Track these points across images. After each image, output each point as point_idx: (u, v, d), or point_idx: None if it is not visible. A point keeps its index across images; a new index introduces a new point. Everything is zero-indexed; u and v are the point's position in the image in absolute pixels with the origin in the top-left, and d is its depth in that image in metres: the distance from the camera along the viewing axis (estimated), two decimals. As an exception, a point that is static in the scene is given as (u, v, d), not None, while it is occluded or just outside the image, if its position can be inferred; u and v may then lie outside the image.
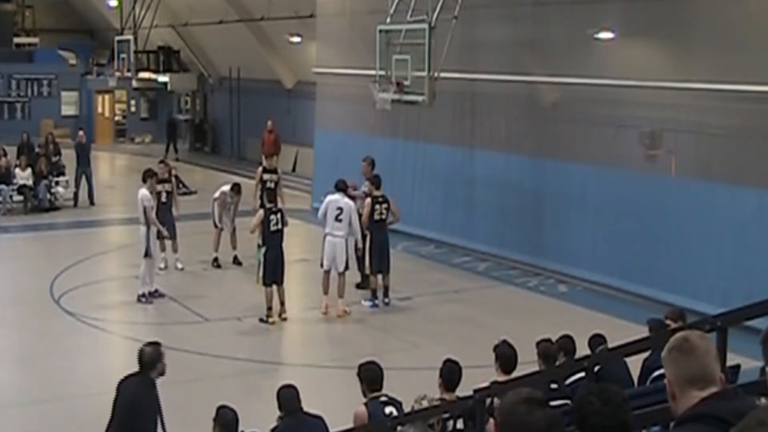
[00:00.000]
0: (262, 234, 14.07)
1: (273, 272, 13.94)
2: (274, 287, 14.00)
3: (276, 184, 17.27)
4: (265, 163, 17.93)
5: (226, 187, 17.42)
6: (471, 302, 15.45)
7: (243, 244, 17.36)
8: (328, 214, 14.39)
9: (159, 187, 16.31)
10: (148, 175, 15.46)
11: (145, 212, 14.91)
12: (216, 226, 17.43)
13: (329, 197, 14.67)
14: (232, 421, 6.91)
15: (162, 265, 16.69)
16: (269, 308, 13.97)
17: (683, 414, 3.08)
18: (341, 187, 14.68)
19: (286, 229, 14.29)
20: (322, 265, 14.48)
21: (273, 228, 13.95)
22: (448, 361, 7.56)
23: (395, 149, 20.26)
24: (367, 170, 15.57)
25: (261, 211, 14.13)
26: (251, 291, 14.41)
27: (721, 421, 2.97)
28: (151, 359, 7.54)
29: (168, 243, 16.88)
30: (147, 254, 14.99)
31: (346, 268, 14.55)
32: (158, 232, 15.33)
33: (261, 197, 16.57)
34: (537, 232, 17.30)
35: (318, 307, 14.49)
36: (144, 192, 15.07)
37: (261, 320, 14.04)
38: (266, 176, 17.46)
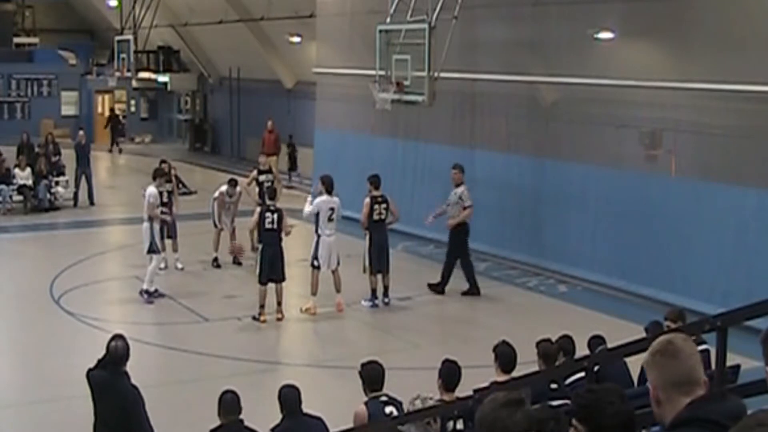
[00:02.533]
0: (259, 233, 14.09)
1: (269, 270, 13.96)
2: (271, 286, 14.02)
3: (272, 183, 17.29)
4: (260, 164, 18.02)
5: (225, 187, 17.44)
6: (471, 302, 15.45)
7: (242, 243, 17.36)
8: (321, 215, 14.40)
9: (160, 188, 16.32)
10: (158, 174, 15.59)
11: (148, 208, 14.95)
12: (216, 226, 17.43)
13: (319, 198, 14.64)
14: (229, 401, 7.05)
15: (162, 265, 16.68)
16: (261, 306, 14.00)
17: (674, 419, 3.06)
18: (329, 189, 14.66)
19: (294, 230, 14.33)
20: (314, 265, 14.47)
21: (268, 226, 13.97)
22: (447, 361, 7.56)
23: (395, 149, 20.26)
24: (458, 176, 15.56)
25: (258, 209, 14.16)
26: (251, 291, 14.40)
27: (714, 423, 2.96)
28: (126, 353, 7.55)
29: (168, 242, 16.89)
30: (153, 250, 15.00)
31: (338, 263, 14.59)
32: (163, 228, 15.33)
33: (261, 196, 16.58)
34: (537, 232, 17.30)
35: (317, 307, 14.48)
36: (152, 189, 15.11)
37: (253, 318, 14.08)
38: (262, 177, 17.47)
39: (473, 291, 15.59)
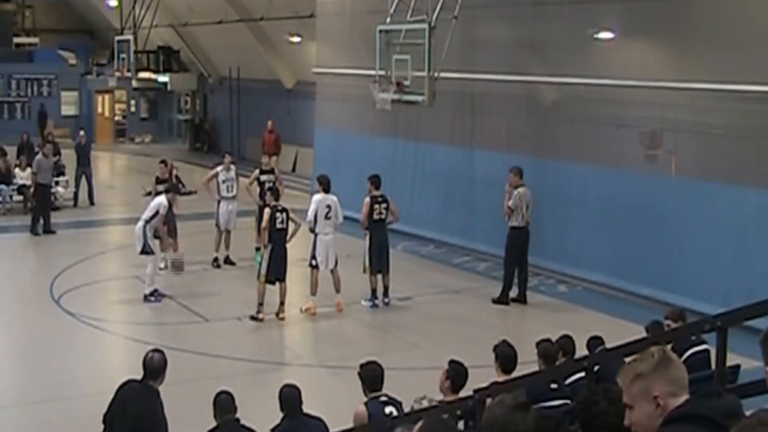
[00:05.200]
0: (268, 233, 14.11)
1: (277, 269, 14.02)
2: (270, 285, 14.03)
3: (274, 183, 17.29)
4: (262, 164, 18.04)
5: (218, 167, 17.56)
6: (471, 302, 15.44)
7: (239, 244, 17.38)
8: (319, 214, 14.42)
9: (159, 187, 16.32)
10: (170, 189, 15.69)
11: (154, 216, 14.92)
12: (217, 226, 17.38)
13: (315, 197, 14.73)
14: (224, 401, 7.07)
15: (162, 265, 16.67)
16: (260, 304, 14.03)
17: (670, 416, 3.09)
18: (326, 188, 14.65)
19: (300, 230, 14.44)
20: (312, 265, 14.49)
21: (279, 226, 14.06)
22: (454, 362, 7.53)
23: (395, 149, 20.26)
24: (515, 179, 14.99)
25: (268, 210, 14.20)
26: (251, 291, 14.41)
27: (708, 420, 2.99)
28: (160, 367, 7.35)
29: (171, 242, 16.85)
30: (147, 251, 15.00)
31: (336, 263, 14.60)
32: (155, 230, 15.32)
33: (263, 197, 16.57)
34: (537, 232, 17.23)
35: (317, 307, 14.48)
36: (164, 201, 15.10)
37: (252, 317, 14.10)
38: (264, 177, 17.46)
39: (503, 299, 15.16)
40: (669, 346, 3.55)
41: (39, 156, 21.29)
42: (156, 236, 15.50)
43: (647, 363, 3.22)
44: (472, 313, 14.89)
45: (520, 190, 14.97)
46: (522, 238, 15.10)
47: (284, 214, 14.15)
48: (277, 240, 14.07)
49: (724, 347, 4.70)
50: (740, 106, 13.64)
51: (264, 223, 14.25)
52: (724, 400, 3.12)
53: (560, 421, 3.19)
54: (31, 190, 21.27)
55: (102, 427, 7.46)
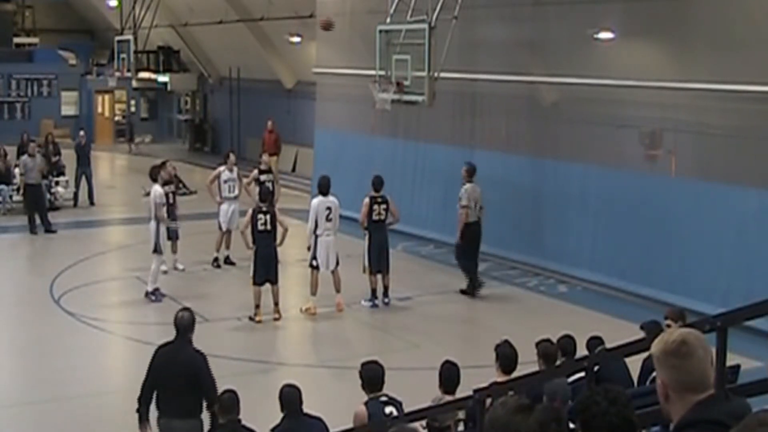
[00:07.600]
0: (252, 234, 14.08)
1: (263, 272, 13.96)
2: (267, 286, 14.02)
3: (273, 183, 17.26)
4: (261, 163, 18.03)
5: (221, 167, 17.52)
6: (471, 302, 15.45)
7: (240, 245, 17.35)
8: (319, 216, 14.41)
9: (165, 189, 16.31)
10: (156, 173, 15.53)
11: (156, 208, 14.96)
12: (220, 229, 17.35)
13: (314, 201, 14.69)
14: (228, 401, 7.21)
15: (163, 268, 16.64)
16: (257, 306, 14.02)
17: (680, 420, 3.08)
18: (324, 191, 14.62)
19: (291, 230, 14.38)
20: (312, 266, 14.47)
21: (260, 228, 13.95)
22: (446, 362, 7.55)
23: (395, 149, 20.25)
24: (465, 175, 15.35)
25: (249, 211, 14.15)
26: (250, 291, 14.40)
27: (719, 424, 2.98)
28: (191, 323, 8.19)
29: (168, 244, 16.84)
30: (156, 250, 15.02)
31: (337, 264, 14.59)
32: (167, 229, 15.35)
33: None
34: (537, 232, 17.29)
35: (317, 307, 14.48)
36: (158, 189, 15.10)
37: (249, 318, 14.11)
38: (263, 177, 17.45)
39: (471, 290, 15.50)
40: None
41: (25, 156, 21.35)
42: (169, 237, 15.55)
43: (657, 346, 3.19)
44: (472, 313, 14.89)
45: (467, 186, 15.28)
46: (474, 233, 15.34)
47: (268, 216, 14.02)
48: (260, 242, 13.98)
49: (724, 347, 4.69)
50: (740, 106, 13.65)
51: (242, 225, 14.19)
52: (735, 402, 3.11)
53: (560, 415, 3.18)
54: (21, 190, 21.32)
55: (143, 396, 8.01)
